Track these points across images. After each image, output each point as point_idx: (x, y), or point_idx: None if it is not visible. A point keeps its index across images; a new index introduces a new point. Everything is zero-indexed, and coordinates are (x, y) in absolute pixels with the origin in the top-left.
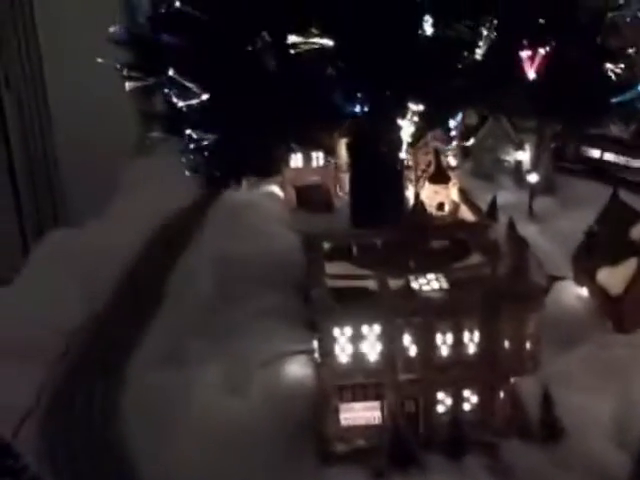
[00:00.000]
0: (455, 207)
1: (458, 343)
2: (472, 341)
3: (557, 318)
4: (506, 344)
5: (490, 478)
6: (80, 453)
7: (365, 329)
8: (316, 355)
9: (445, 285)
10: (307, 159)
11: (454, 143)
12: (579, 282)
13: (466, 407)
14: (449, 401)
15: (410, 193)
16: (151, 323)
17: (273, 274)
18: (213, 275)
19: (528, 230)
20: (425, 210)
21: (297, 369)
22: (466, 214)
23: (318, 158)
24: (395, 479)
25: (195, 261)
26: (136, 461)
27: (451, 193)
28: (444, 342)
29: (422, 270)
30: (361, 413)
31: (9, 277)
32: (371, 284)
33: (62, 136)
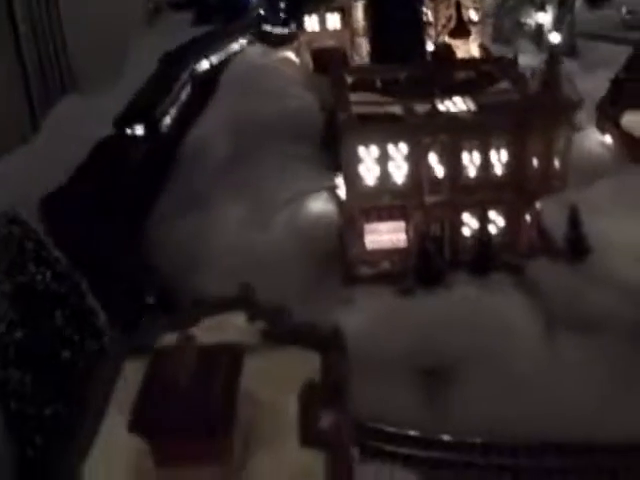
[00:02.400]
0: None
1: (485, 163)
2: (499, 161)
3: (582, 159)
4: (534, 162)
5: (515, 292)
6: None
7: (391, 149)
8: (339, 191)
9: (472, 107)
10: (322, 22)
11: None
12: (603, 130)
13: (492, 229)
14: (475, 223)
15: (429, 48)
16: (171, 176)
17: (292, 130)
18: (232, 133)
19: None
20: (450, 47)
21: (320, 204)
22: None
23: (334, 21)
24: (421, 296)
25: (213, 122)
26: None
27: (471, 49)
28: (471, 162)
29: (448, 96)
30: (386, 236)
31: (18, 141)
32: (397, 109)
33: (68, 7)
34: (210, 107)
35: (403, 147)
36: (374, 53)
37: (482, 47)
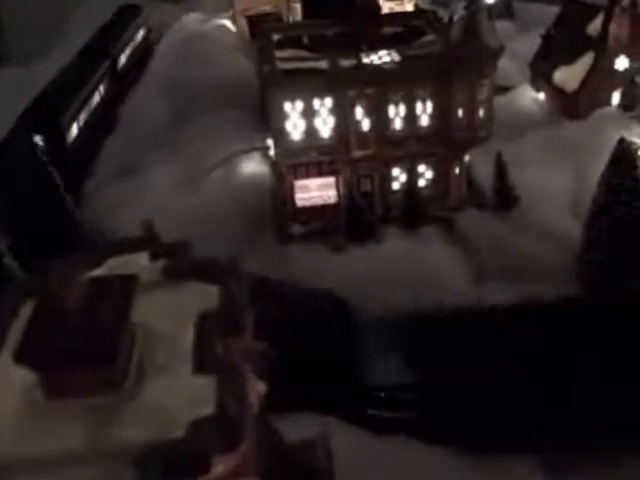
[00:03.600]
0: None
1: (411, 115)
2: (425, 112)
3: (514, 116)
4: (459, 113)
5: (445, 244)
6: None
7: (316, 103)
8: (271, 151)
9: (397, 59)
10: None
11: None
12: (536, 87)
13: (421, 182)
14: (404, 177)
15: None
16: (105, 144)
17: (228, 95)
18: (168, 100)
19: None
20: (376, 2)
21: (253, 165)
22: None
23: None
24: (353, 251)
25: (149, 88)
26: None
27: (407, 9)
28: (397, 114)
29: (375, 50)
30: (316, 193)
31: None
32: (322, 64)
33: None
34: (146, 75)
35: (328, 101)
36: (306, 12)
37: (417, 8)
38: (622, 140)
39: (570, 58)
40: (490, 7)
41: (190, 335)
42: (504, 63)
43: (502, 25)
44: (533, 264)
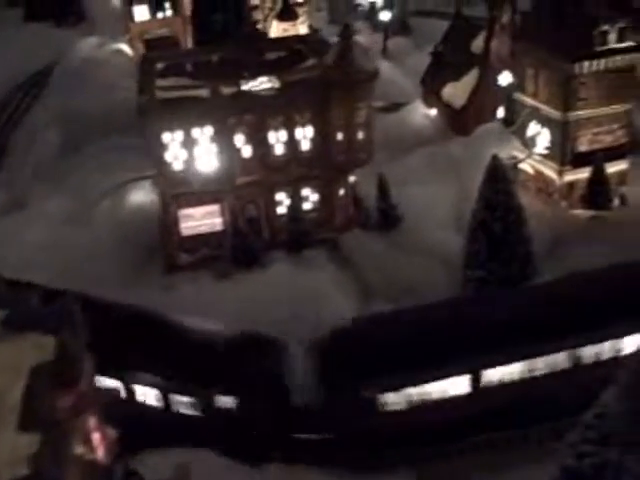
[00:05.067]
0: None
1: (292, 140)
2: (305, 137)
3: (405, 133)
4: (339, 136)
5: (330, 266)
6: None
7: (196, 132)
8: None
9: (276, 85)
10: (153, 11)
11: None
12: (427, 103)
13: (307, 206)
14: (289, 201)
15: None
16: None
17: (121, 121)
18: (60, 129)
19: (382, 66)
20: (261, 28)
21: (142, 195)
22: None
23: (165, 9)
24: (239, 278)
25: (41, 118)
26: None
27: (300, 30)
28: (278, 140)
29: (257, 76)
30: (202, 221)
31: None
32: (203, 92)
33: None
34: (40, 104)
35: (208, 130)
36: (197, 37)
37: (311, 29)
38: (495, 157)
39: (457, 75)
40: (386, 24)
41: (19, 390)
42: (399, 80)
43: (399, 41)
44: (418, 281)
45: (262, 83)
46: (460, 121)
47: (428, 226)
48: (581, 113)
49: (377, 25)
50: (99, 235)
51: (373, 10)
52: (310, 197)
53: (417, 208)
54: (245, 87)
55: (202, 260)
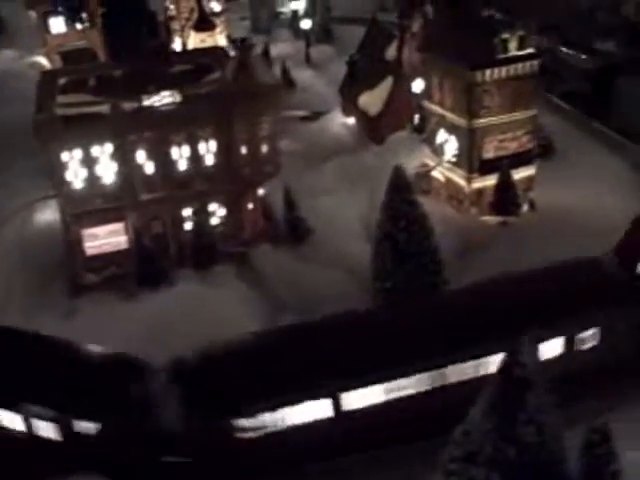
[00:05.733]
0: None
1: (196, 155)
2: (209, 152)
3: (322, 143)
4: (243, 150)
5: (239, 282)
6: None
7: (96, 150)
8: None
9: (178, 99)
10: (70, 23)
11: None
12: (346, 112)
13: (215, 220)
14: (197, 216)
15: (178, 44)
16: None
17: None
18: None
19: (304, 75)
20: (166, 41)
21: (49, 215)
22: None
23: (82, 20)
24: (145, 298)
25: None
26: None
27: (218, 40)
28: (181, 156)
29: (161, 90)
30: (105, 240)
31: None
32: (105, 109)
33: None
34: None
35: (108, 147)
36: (108, 50)
37: (230, 39)
38: (398, 167)
39: (372, 83)
40: (307, 32)
41: None
42: (321, 88)
43: (322, 49)
44: (328, 293)
45: (164, 98)
46: (376, 129)
47: (339, 237)
48: (486, 121)
49: (299, 33)
50: (4, 257)
51: (295, 18)
52: (217, 212)
53: (328, 219)
54: (147, 102)
55: (109, 279)
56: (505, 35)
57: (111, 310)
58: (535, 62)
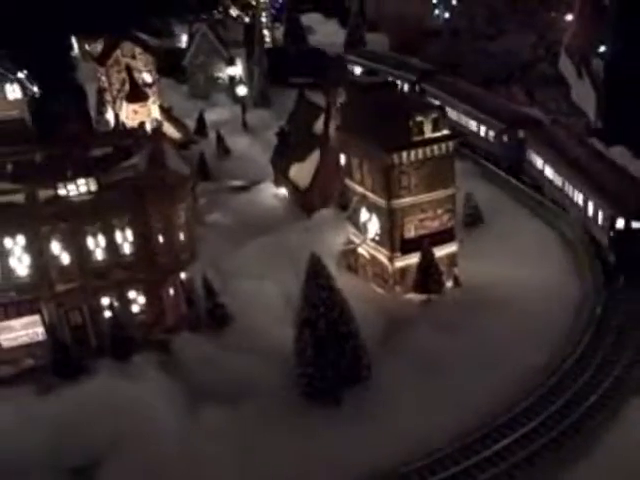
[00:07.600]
0: (159, 125)
1: (112, 245)
2: (126, 241)
3: (253, 215)
4: (159, 239)
5: (158, 372)
6: None
7: (8, 242)
8: None
9: (94, 188)
10: (2, 92)
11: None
12: (277, 183)
13: (135, 308)
14: (115, 306)
15: (111, 115)
16: None
17: None
18: None
19: (240, 142)
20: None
21: None
22: (171, 131)
23: (14, 90)
24: (61, 391)
25: None
26: None
27: (152, 111)
28: (97, 245)
29: (78, 177)
30: (22, 331)
31: None
32: (19, 197)
33: None
34: None
35: (21, 239)
36: (39, 129)
37: (162, 108)
38: (313, 254)
39: (302, 155)
40: (243, 98)
41: None
42: (257, 156)
43: (259, 114)
44: (249, 381)
45: (80, 186)
46: (307, 201)
47: (262, 322)
48: (405, 201)
49: (237, 98)
50: None
51: (232, 83)
52: (138, 300)
53: (251, 303)
54: (62, 191)
55: (25, 372)
56: (419, 118)
57: (28, 404)
58: (450, 143)
